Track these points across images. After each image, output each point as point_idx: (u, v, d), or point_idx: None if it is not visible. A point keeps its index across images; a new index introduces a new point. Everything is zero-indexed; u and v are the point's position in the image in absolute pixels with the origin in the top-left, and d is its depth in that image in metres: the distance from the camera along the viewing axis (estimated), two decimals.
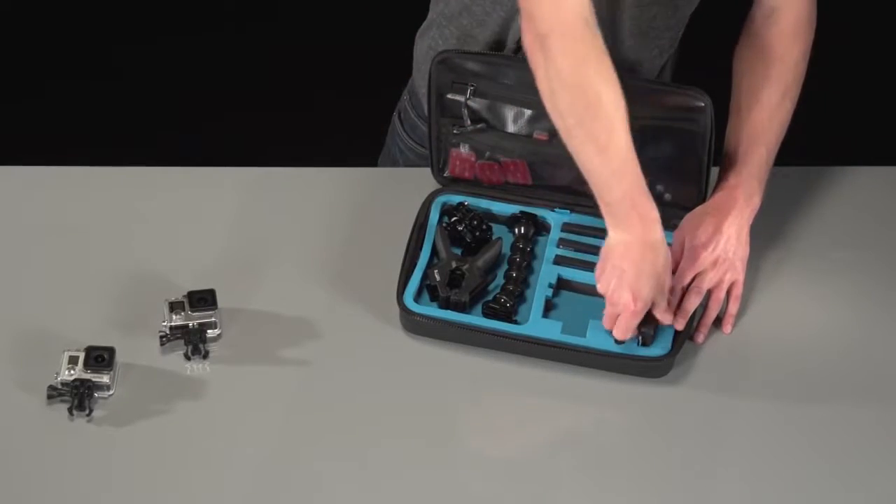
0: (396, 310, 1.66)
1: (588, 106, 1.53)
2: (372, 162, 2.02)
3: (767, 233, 1.75)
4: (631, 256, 1.56)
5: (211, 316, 1.64)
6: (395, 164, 1.94)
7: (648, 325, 1.62)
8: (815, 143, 2.50)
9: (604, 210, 1.58)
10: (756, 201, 1.66)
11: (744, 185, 1.66)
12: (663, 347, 1.63)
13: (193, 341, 1.62)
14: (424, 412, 1.61)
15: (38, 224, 1.79)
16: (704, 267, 1.64)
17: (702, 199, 1.70)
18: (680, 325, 1.63)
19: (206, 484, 1.54)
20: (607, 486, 1.55)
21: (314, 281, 1.72)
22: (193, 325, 1.63)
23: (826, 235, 1.79)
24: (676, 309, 1.63)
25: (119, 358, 1.60)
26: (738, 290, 1.67)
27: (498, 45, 1.75)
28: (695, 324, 1.66)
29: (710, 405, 1.62)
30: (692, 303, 1.63)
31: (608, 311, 1.60)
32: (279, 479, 1.54)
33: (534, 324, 1.65)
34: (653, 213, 1.56)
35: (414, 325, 1.66)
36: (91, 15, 3.23)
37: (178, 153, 2.02)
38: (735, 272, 1.66)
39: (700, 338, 1.66)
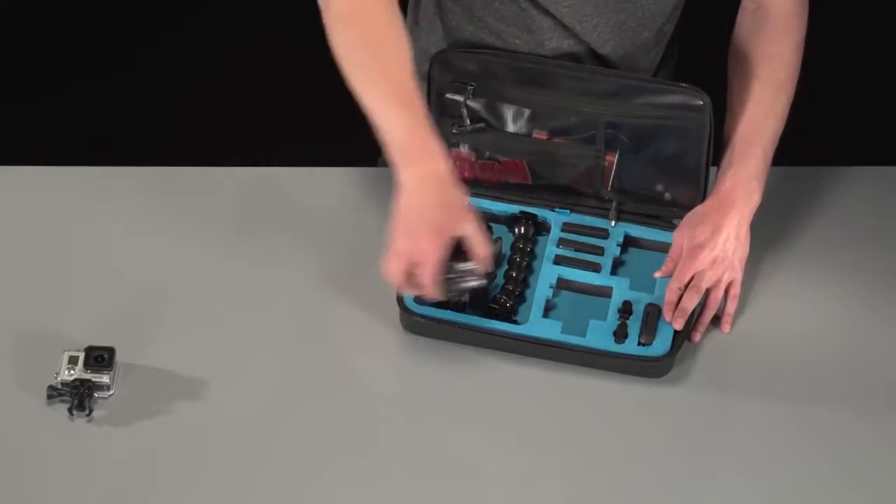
0: (396, 310, 1.66)
1: (366, 45, 1.58)
2: (372, 162, 2.01)
3: (767, 233, 1.75)
4: (430, 189, 1.56)
5: None
6: None
7: (648, 334, 1.63)
8: (815, 143, 2.50)
9: (390, 148, 1.58)
10: (755, 200, 1.66)
11: (742, 184, 1.66)
12: (663, 347, 1.63)
13: None
14: (424, 412, 1.61)
15: (38, 224, 1.79)
16: (703, 266, 1.64)
17: (701, 198, 1.70)
18: (679, 325, 1.63)
19: (206, 483, 1.54)
20: (607, 486, 1.55)
21: (314, 281, 1.72)
22: None
23: (826, 235, 1.79)
24: (675, 308, 1.63)
25: (119, 358, 1.60)
26: (735, 290, 1.67)
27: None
28: (693, 323, 1.66)
29: (710, 405, 1.62)
30: (691, 302, 1.63)
31: (401, 252, 1.55)
32: (278, 479, 1.54)
33: (534, 324, 1.65)
34: (440, 147, 1.57)
35: (414, 325, 1.66)
36: (91, 14, 3.22)
37: (178, 153, 2.02)
38: (733, 271, 1.66)
39: (697, 336, 1.66)
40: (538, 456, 1.57)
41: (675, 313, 1.63)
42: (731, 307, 1.68)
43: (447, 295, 1.59)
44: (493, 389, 1.63)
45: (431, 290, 1.56)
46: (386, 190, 1.83)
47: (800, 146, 1.81)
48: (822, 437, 1.60)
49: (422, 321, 1.65)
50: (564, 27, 1.68)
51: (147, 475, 1.54)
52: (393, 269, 1.56)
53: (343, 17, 1.58)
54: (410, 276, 1.56)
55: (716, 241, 1.64)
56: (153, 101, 3.07)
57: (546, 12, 1.66)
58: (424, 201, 1.56)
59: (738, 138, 1.68)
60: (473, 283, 1.60)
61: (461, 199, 1.58)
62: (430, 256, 1.54)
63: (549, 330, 1.64)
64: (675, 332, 1.63)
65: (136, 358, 1.62)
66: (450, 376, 1.64)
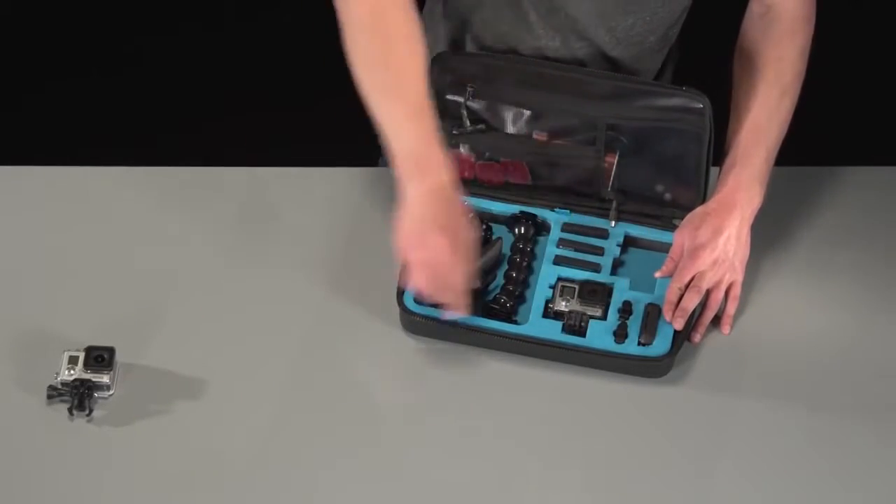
0: (396, 310, 1.66)
1: (383, 53, 1.57)
2: (372, 162, 2.01)
3: (767, 233, 1.75)
4: (434, 202, 1.57)
5: None
6: None
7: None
8: (815, 143, 2.49)
9: (398, 161, 1.58)
10: (757, 202, 1.66)
11: (745, 186, 1.66)
12: (663, 347, 1.63)
13: None
14: (424, 412, 1.61)
15: (38, 224, 1.78)
16: (704, 267, 1.64)
17: (701, 199, 1.70)
18: (679, 325, 1.63)
19: (206, 484, 1.53)
20: (607, 486, 1.55)
21: (314, 281, 1.72)
22: None
23: (826, 235, 1.79)
24: (675, 308, 1.63)
25: (119, 358, 1.60)
26: (736, 291, 1.67)
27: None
28: (693, 323, 1.65)
29: (710, 405, 1.62)
30: (692, 302, 1.63)
31: (421, 260, 1.57)
32: (278, 479, 1.54)
33: (534, 324, 1.65)
34: (445, 159, 1.58)
35: (414, 325, 1.66)
36: (91, 14, 3.22)
37: (178, 153, 2.02)
38: (734, 273, 1.66)
39: (697, 338, 1.66)
40: (538, 456, 1.57)
41: (676, 313, 1.63)
42: (731, 308, 1.68)
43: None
44: (494, 389, 1.63)
45: (462, 296, 1.58)
46: (386, 190, 1.83)
47: (800, 146, 1.80)
48: (822, 437, 1.59)
49: (422, 321, 1.65)
50: (577, 31, 1.68)
51: (147, 475, 1.54)
52: (420, 281, 1.58)
53: (362, 23, 1.57)
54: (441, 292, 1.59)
55: (717, 243, 1.64)
56: (153, 101, 3.07)
57: (556, 17, 1.66)
58: (430, 210, 1.57)
59: (742, 139, 1.68)
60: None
61: (464, 209, 1.60)
62: (447, 256, 1.56)
63: (549, 330, 1.64)
64: (675, 332, 1.63)
65: (136, 358, 1.62)
66: (450, 376, 1.64)
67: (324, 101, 3.04)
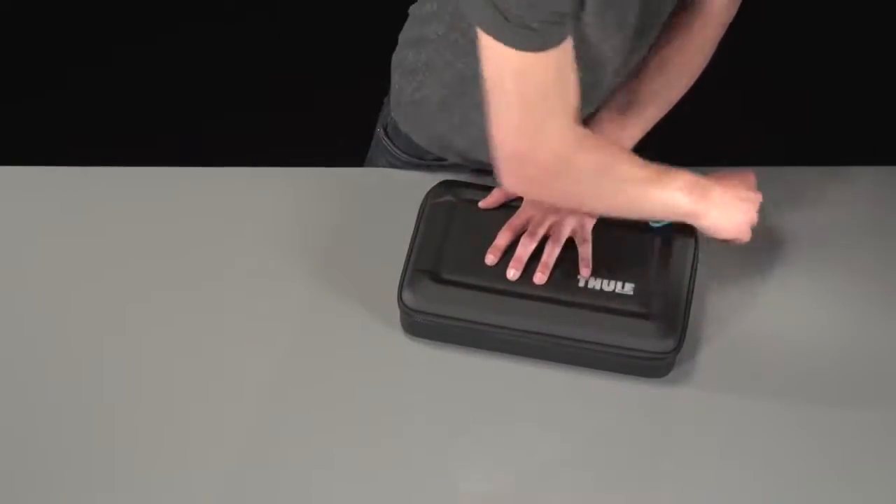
0: (396, 310, 1.66)
1: (600, 166, 1.55)
2: (371, 162, 2.01)
3: (768, 233, 1.75)
4: (723, 201, 1.61)
5: None
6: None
7: None
8: (815, 143, 2.50)
9: (685, 211, 1.59)
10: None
11: None
12: (665, 342, 1.61)
13: None
14: (424, 413, 1.61)
15: (38, 224, 1.79)
16: (534, 213, 1.65)
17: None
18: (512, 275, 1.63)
19: (205, 485, 1.54)
20: (607, 487, 1.55)
21: (314, 281, 1.72)
22: None
23: (826, 235, 1.79)
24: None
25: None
26: (583, 234, 1.66)
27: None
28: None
29: (710, 405, 1.62)
30: (525, 250, 1.64)
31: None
32: (278, 480, 1.54)
33: None
34: (687, 173, 1.59)
35: (414, 326, 1.66)
36: (90, 14, 3.23)
37: (178, 153, 2.02)
38: (573, 219, 1.66)
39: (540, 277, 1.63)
40: (539, 456, 1.57)
41: (511, 263, 1.62)
42: (583, 251, 1.65)
43: None
44: (494, 390, 1.63)
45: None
46: (385, 190, 1.83)
47: (800, 146, 1.81)
48: (823, 437, 1.60)
49: (422, 323, 1.65)
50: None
51: (147, 475, 1.54)
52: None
53: (597, 168, 1.54)
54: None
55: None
56: (153, 101, 3.07)
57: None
58: (730, 209, 1.62)
59: (616, 107, 1.66)
60: None
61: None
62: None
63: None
64: (679, 329, 1.62)
65: (135, 357, 1.62)
66: (450, 378, 1.64)
67: (323, 101, 3.05)
